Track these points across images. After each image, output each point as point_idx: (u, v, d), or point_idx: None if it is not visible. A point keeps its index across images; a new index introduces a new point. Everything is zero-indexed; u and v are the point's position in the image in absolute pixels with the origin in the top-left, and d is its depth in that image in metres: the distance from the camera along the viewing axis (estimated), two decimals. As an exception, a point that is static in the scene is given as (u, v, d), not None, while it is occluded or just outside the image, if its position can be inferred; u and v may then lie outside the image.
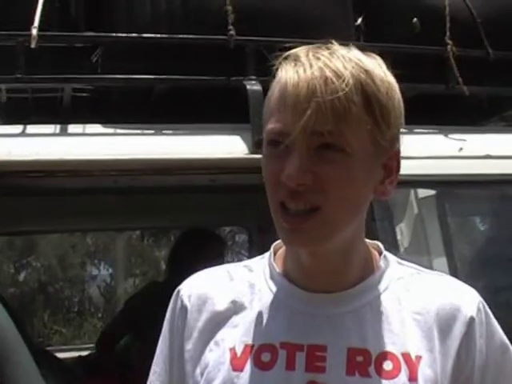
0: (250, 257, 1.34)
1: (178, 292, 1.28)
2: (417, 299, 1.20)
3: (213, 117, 2.43)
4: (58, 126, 2.37)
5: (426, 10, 2.69)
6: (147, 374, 1.31)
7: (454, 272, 2.29)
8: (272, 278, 1.23)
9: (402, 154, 1.18)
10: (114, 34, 2.43)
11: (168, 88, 2.51)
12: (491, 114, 3.06)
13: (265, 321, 1.19)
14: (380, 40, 2.49)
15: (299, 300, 1.19)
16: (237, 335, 1.20)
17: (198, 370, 1.21)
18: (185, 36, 2.40)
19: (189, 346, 1.22)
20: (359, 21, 2.72)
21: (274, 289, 1.22)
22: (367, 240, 1.24)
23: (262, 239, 4.35)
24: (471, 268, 2.75)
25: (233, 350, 1.18)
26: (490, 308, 1.23)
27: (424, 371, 1.15)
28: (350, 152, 1.09)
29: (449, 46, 2.62)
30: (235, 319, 1.21)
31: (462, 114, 2.73)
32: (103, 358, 3.82)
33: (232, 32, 2.39)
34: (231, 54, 2.42)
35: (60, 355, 4.00)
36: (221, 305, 1.23)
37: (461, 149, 2.56)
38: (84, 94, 2.62)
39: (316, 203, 1.10)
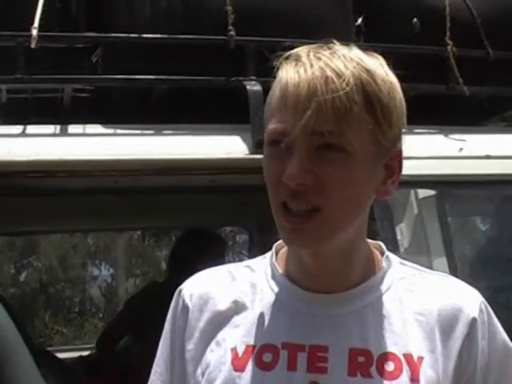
0: (251, 257, 1.34)
1: (180, 292, 1.27)
2: (419, 300, 1.20)
3: (213, 117, 2.43)
4: (58, 127, 2.37)
5: (426, 10, 2.69)
6: (148, 375, 1.30)
7: (453, 272, 2.29)
8: (274, 278, 1.23)
9: (403, 153, 1.18)
10: (113, 35, 2.43)
11: (168, 88, 2.51)
12: (491, 114, 3.06)
13: (266, 321, 1.19)
14: (380, 40, 2.49)
15: (301, 300, 1.19)
16: (238, 335, 1.20)
17: (199, 370, 1.20)
18: (185, 36, 2.40)
19: (190, 345, 1.22)
20: (359, 21, 2.72)
21: (276, 289, 1.22)
22: (369, 240, 1.24)
23: (262, 239, 4.35)
24: (471, 268, 2.76)
25: (234, 350, 1.18)
26: (491, 308, 1.23)
27: (426, 372, 1.15)
28: (351, 152, 1.09)
29: (449, 46, 2.62)
30: (237, 319, 1.21)
31: (462, 114, 2.73)
32: (103, 358, 3.82)
33: (232, 32, 2.39)
34: (231, 54, 2.42)
35: (61, 355, 4.01)
36: (222, 305, 1.22)
37: (461, 149, 2.56)
38: (84, 95, 2.63)
39: (317, 203, 1.10)
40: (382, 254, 1.25)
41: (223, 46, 2.40)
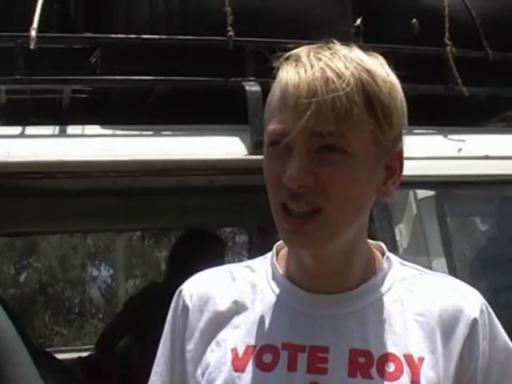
0: (250, 258, 1.33)
1: (180, 292, 1.27)
2: (419, 300, 1.19)
3: (212, 118, 2.43)
4: (57, 127, 2.37)
5: (425, 10, 2.69)
6: (147, 375, 1.30)
7: (452, 272, 2.29)
8: (274, 278, 1.23)
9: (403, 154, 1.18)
10: (112, 35, 2.44)
11: (167, 89, 2.51)
12: (490, 115, 3.06)
13: (267, 322, 1.19)
14: (379, 41, 2.49)
15: (301, 301, 1.19)
16: (238, 336, 1.19)
17: (199, 371, 1.20)
18: (184, 37, 2.40)
19: (190, 346, 1.22)
20: (358, 21, 2.72)
21: (276, 289, 1.21)
22: (369, 240, 1.24)
23: (262, 240, 4.35)
24: (470, 268, 2.76)
25: (234, 350, 1.18)
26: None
27: (426, 373, 1.14)
28: (352, 153, 1.09)
29: (448, 47, 2.62)
30: (237, 319, 1.21)
31: (462, 114, 2.73)
32: (103, 359, 3.81)
33: (231, 33, 2.39)
34: (230, 54, 2.42)
35: (61, 356, 4.01)
36: (222, 305, 1.22)
37: (460, 149, 2.56)
38: (83, 96, 2.62)
39: (318, 205, 1.10)
40: (383, 254, 1.24)
41: (222, 46, 2.40)
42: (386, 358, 1.15)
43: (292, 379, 1.14)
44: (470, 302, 1.20)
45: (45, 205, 3.51)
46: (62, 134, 2.36)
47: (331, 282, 1.19)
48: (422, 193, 2.52)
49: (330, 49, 1.13)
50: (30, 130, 2.34)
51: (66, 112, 2.61)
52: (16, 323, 2.11)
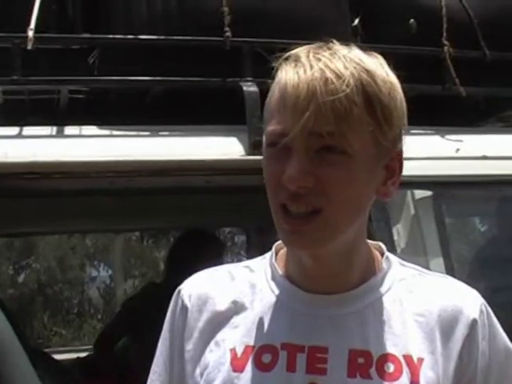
0: (249, 258, 1.33)
1: (179, 292, 1.27)
2: (419, 301, 1.19)
3: (209, 118, 2.43)
4: (55, 128, 2.37)
5: (422, 10, 2.69)
6: (146, 375, 1.30)
7: (450, 273, 2.28)
8: (273, 278, 1.23)
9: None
10: (110, 36, 2.44)
11: (164, 89, 2.51)
12: (488, 115, 3.06)
13: (266, 322, 1.19)
14: (377, 41, 2.49)
15: (301, 301, 1.19)
16: (237, 336, 1.19)
17: (197, 371, 1.20)
18: (181, 37, 2.40)
19: (189, 346, 1.22)
20: (356, 21, 2.72)
21: (276, 290, 1.21)
22: (369, 241, 1.24)
23: (260, 240, 4.35)
24: (468, 269, 2.76)
25: (233, 350, 1.18)
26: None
27: (426, 373, 1.14)
28: (352, 153, 1.09)
29: (445, 47, 2.63)
30: (236, 319, 1.21)
31: (459, 114, 2.73)
32: (101, 360, 3.82)
33: (228, 33, 2.39)
34: (227, 55, 2.42)
35: (59, 357, 4.01)
36: (221, 305, 1.22)
37: (458, 150, 2.56)
38: (80, 96, 2.62)
39: (318, 205, 1.10)
40: (382, 254, 1.24)
41: (219, 47, 2.40)
42: (385, 358, 1.14)
43: (291, 379, 1.14)
44: (469, 302, 1.20)
45: (43, 205, 3.50)
46: (60, 134, 2.36)
47: (331, 282, 1.18)
48: (420, 193, 2.52)
49: (329, 49, 1.12)
50: (28, 130, 2.34)
51: (64, 112, 2.61)
52: (14, 324, 2.11)
